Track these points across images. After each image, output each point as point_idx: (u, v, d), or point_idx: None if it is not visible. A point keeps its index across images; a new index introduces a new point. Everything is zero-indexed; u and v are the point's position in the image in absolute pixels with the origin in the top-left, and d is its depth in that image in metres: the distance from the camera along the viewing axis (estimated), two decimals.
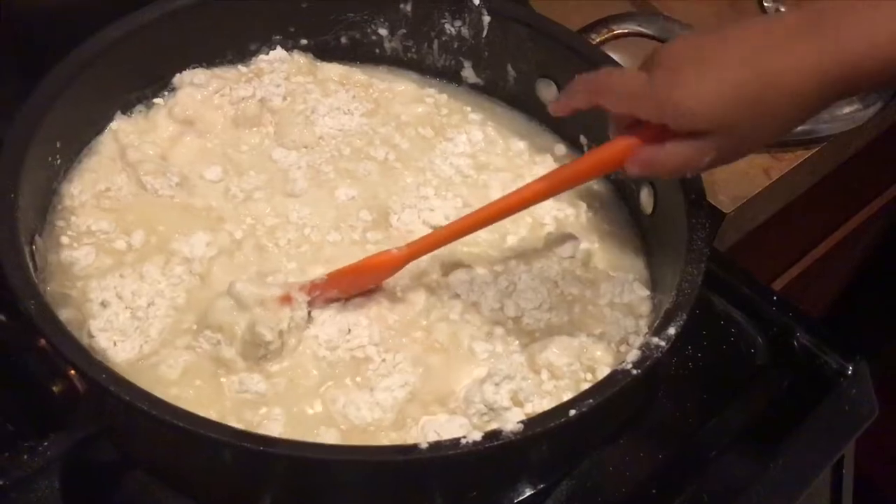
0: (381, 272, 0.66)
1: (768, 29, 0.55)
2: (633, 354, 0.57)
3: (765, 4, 0.92)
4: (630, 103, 0.58)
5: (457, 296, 0.68)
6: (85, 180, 0.72)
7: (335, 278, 0.66)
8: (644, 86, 0.56)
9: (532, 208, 0.68)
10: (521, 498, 0.64)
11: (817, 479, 0.76)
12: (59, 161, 0.70)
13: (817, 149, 0.91)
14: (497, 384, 0.61)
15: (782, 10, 0.92)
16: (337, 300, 0.66)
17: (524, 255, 0.72)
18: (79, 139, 0.73)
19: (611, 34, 0.79)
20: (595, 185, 0.79)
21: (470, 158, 0.79)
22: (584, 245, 0.73)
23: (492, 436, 0.52)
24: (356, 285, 0.67)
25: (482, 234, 0.71)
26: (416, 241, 0.66)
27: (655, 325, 0.60)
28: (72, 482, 0.63)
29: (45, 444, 0.56)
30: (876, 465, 1.06)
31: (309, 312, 0.65)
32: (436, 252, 0.68)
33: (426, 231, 0.71)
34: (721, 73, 0.54)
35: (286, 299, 0.63)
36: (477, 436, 0.51)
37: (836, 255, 1.30)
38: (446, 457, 0.51)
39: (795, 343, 0.77)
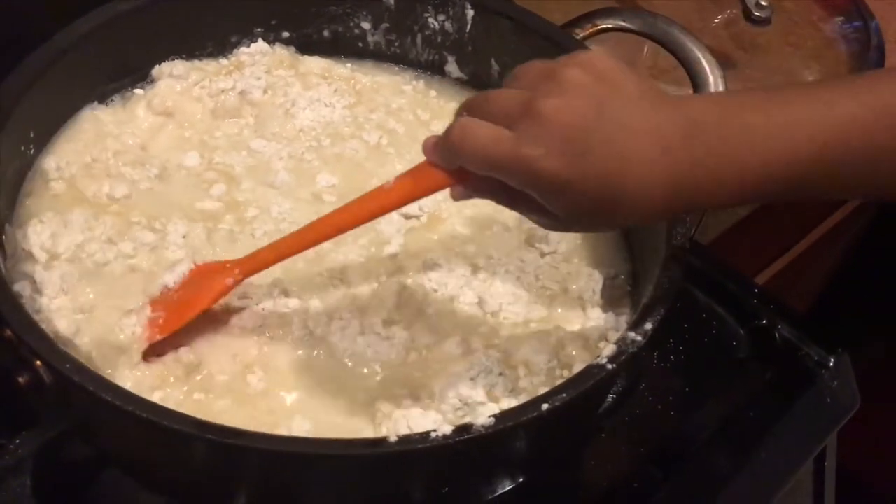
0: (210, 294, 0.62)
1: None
2: (609, 349, 0.57)
3: (746, 1, 0.92)
4: (493, 171, 0.51)
5: (434, 290, 0.68)
6: (62, 168, 0.71)
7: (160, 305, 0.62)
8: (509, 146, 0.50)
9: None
10: (500, 492, 0.64)
11: (800, 470, 0.76)
12: (31, 151, 0.69)
13: None
14: (472, 379, 0.60)
15: (763, 4, 0.91)
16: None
17: (504, 249, 0.72)
18: (54, 128, 0.72)
19: (595, 29, 0.78)
20: None
21: None
22: (565, 241, 0.73)
23: (462, 430, 0.51)
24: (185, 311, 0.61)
25: (459, 227, 0.71)
26: (248, 258, 0.62)
27: (633, 319, 0.60)
28: (44, 480, 0.63)
29: (17, 441, 0.56)
30: (858, 458, 1.06)
31: None
32: (411, 247, 0.67)
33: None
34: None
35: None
36: (447, 429, 0.51)
37: (820, 250, 1.30)
38: (416, 450, 0.50)
39: (777, 336, 0.77)
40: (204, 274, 0.63)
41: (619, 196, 0.50)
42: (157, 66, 0.79)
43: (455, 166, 0.53)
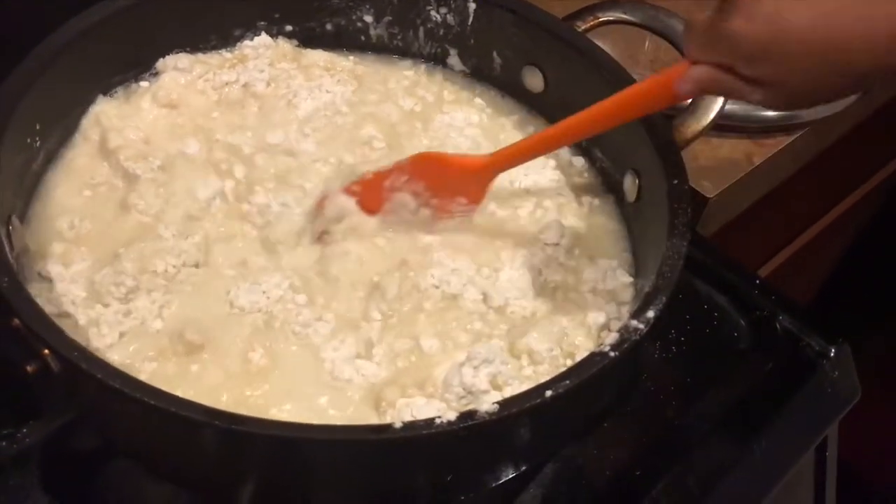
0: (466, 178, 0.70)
1: None
2: (612, 337, 0.57)
3: None
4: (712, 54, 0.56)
5: (436, 287, 0.68)
6: (67, 164, 0.72)
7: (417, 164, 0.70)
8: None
9: (515, 195, 0.71)
10: (503, 479, 0.64)
11: (801, 460, 0.76)
12: (38, 143, 0.69)
13: (799, 134, 0.91)
14: (476, 367, 0.61)
15: None
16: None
17: (509, 242, 0.72)
18: (59, 121, 0.73)
19: (596, 22, 0.78)
20: (578, 176, 0.79)
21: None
22: (568, 232, 0.73)
23: (466, 416, 0.52)
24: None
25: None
26: (500, 151, 0.70)
27: (635, 308, 0.60)
28: (51, 469, 0.63)
29: (24, 430, 0.56)
30: (860, 451, 1.06)
31: None
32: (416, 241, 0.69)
33: None
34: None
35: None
36: (452, 416, 0.51)
37: (823, 242, 1.31)
38: (420, 436, 0.51)
39: (778, 326, 0.77)
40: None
41: (826, 60, 0.52)
42: (161, 60, 0.79)
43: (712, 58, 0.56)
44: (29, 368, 0.54)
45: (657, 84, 0.61)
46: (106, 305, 0.64)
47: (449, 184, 0.71)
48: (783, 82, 0.54)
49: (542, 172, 0.78)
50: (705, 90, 0.60)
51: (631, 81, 0.72)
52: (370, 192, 0.71)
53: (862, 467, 1.19)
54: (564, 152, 0.79)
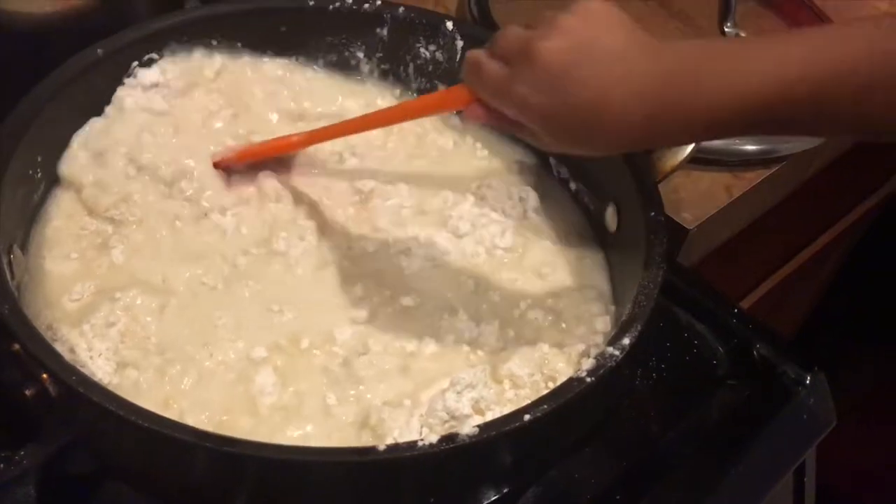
0: (282, 150, 0.78)
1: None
2: (589, 363, 0.60)
3: (725, 30, 0.95)
4: (495, 102, 0.60)
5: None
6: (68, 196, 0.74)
7: (244, 154, 0.77)
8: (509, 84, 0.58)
9: (494, 232, 0.76)
10: (486, 502, 0.66)
11: (778, 486, 0.78)
12: (39, 174, 0.72)
13: (777, 167, 0.93)
14: (459, 392, 0.63)
15: (743, 35, 0.95)
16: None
17: (487, 278, 0.75)
18: (60, 152, 0.75)
19: None
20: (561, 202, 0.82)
21: None
22: (548, 263, 0.76)
23: (448, 439, 0.54)
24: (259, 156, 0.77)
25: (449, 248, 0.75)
26: (313, 132, 0.76)
27: (612, 335, 0.62)
28: (49, 492, 0.64)
29: (22, 453, 0.58)
30: (839, 475, 1.08)
31: None
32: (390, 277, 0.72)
33: None
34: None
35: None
36: (433, 438, 0.54)
37: (805, 274, 1.33)
38: (404, 458, 0.53)
39: (755, 354, 0.79)
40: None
41: (596, 129, 0.56)
42: None
43: (470, 87, 0.61)
44: (28, 392, 0.56)
45: (448, 101, 0.67)
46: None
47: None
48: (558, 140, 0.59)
49: None
50: (482, 122, 0.64)
51: None
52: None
53: (841, 492, 1.20)
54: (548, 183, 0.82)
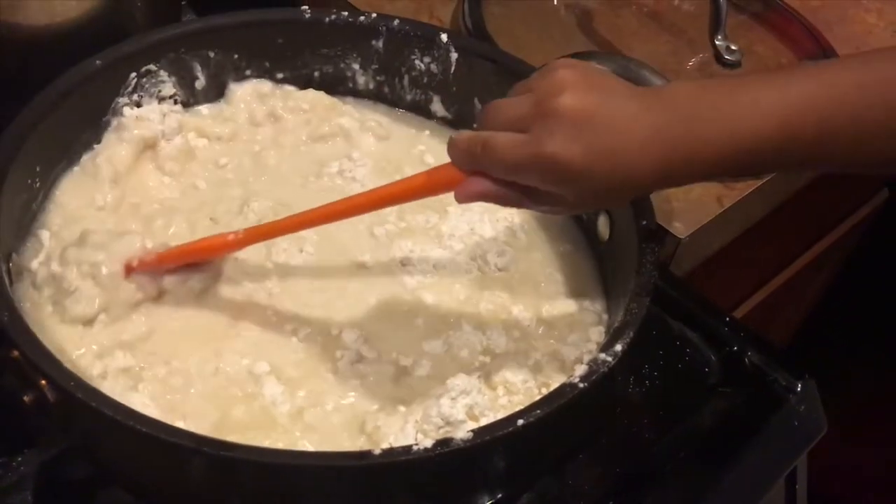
0: (214, 254, 0.70)
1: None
2: (581, 369, 0.60)
3: (716, 42, 0.96)
4: (514, 175, 0.58)
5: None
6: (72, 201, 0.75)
7: (165, 256, 0.68)
8: (528, 151, 0.56)
9: (487, 244, 0.76)
10: None
11: (770, 493, 0.78)
12: (38, 184, 0.72)
13: (767, 178, 0.95)
14: (454, 399, 0.64)
15: (733, 48, 0.96)
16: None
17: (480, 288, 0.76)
18: (60, 163, 0.76)
19: None
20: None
21: None
22: (541, 272, 0.77)
23: (442, 443, 0.54)
24: (184, 260, 0.69)
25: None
26: (254, 228, 0.70)
27: (604, 342, 0.63)
28: (46, 498, 0.65)
29: (19, 459, 0.59)
30: (832, 483, 1.08)
31: None
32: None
33: None
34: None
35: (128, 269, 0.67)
36: (428, 443, 0.54)
37: (798, 284, 1.33)
38: (399, 462, 0.53)
39: (747, 362, 0.80)
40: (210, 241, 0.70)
41: (624, 173, 0.56)
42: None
43: (473, 169, 0.59)
44: (26, 398, 0.57)
45: (438, 183, 0.62)
46: None
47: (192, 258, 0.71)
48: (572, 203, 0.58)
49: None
50: (484, 200, 0.61)
51: None
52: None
53: (833, 500, 1.20)
54: None
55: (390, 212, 0.79)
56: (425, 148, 0.87)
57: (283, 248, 0.75)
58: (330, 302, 0.72)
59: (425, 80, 0.87)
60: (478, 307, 0.73)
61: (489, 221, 0.80)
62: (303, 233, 0.74)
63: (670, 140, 0.56)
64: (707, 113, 0.57)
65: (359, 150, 0.84)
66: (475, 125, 0.61)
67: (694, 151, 0.57)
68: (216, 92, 0.86)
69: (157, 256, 0.68)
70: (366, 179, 0.82)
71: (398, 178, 0.66)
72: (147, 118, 0.80)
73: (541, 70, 0.60)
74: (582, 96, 0.56)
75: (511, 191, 0.59)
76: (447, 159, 0.61)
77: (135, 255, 0.68)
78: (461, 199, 0.60)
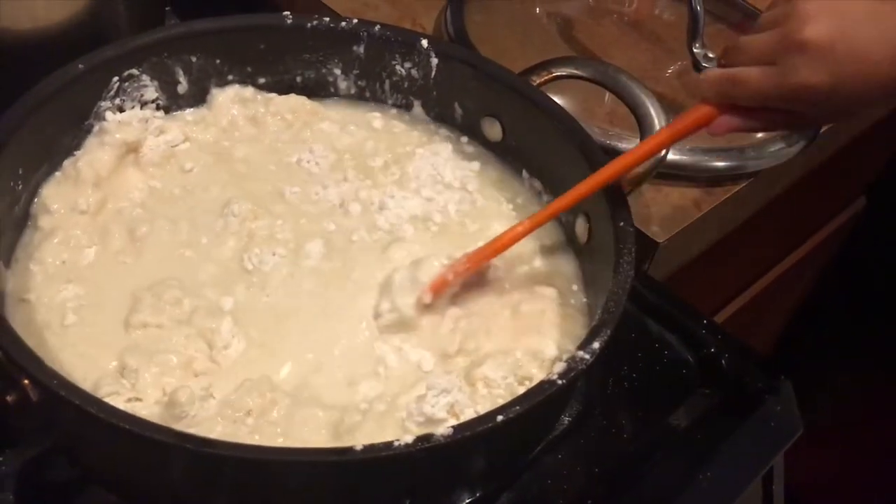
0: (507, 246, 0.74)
1: None
2: (560, 366, 0.61)
3: (694, 50, 0.98)
4: (765, 103, 0.65)
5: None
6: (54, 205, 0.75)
7: (474, 259, 0.72)
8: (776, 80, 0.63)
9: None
10: None
11: (747, 493, 0.79)
12: (20, 187, 0.73)
13: (745, 183, 0.96)
14: (435, 397, 0.64)
15: (711, 56, 0.98)
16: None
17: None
18: (43, 167, 0.76)
19: (550, 76, 0.83)
20: None
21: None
22: (521, 274, 0.78)
23: (423, 439, 0.55)
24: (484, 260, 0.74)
25: None
26: (539, 213, 0.74)
27: (582, 340, 0.64)
28: (27, 499, 0.65)
29: (1, 459, 0.59)
30: (808, 484, 1.09)
31: None
32: None
33: None
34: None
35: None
36: (409, 438, 0.55)
37: (779, 288, 1.35)
38: (380, 458, 0.54)
39: (724, 363, 0.81)
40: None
41: (865, 91, 0.62)
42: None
43: (724, 103, 0.67)
44: (9, 398, 0.57)
45: (688, 127, 0.69)
46: None
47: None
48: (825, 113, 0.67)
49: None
50: (739, 131, 0.69)
51: (580, 130, 0.77)
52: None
53: (810, 500, 1.22)
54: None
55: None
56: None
57: None
58: None
59: (406, 85, 0.88)
60: (459, 307, 0.74)
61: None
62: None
63: None
64: None
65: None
66: (720, 62, 0.68)
67: None
68: (198, 97, 0.86)
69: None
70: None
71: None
72: (129, 123, 0.80)
73: (784, 3, 0.64)
74: (824, 27, 0.61)
75: (758, 119, 0.66)
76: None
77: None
78: (717, 132, 0.67)
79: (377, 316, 0.72)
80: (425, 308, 0.71)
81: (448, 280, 0.71)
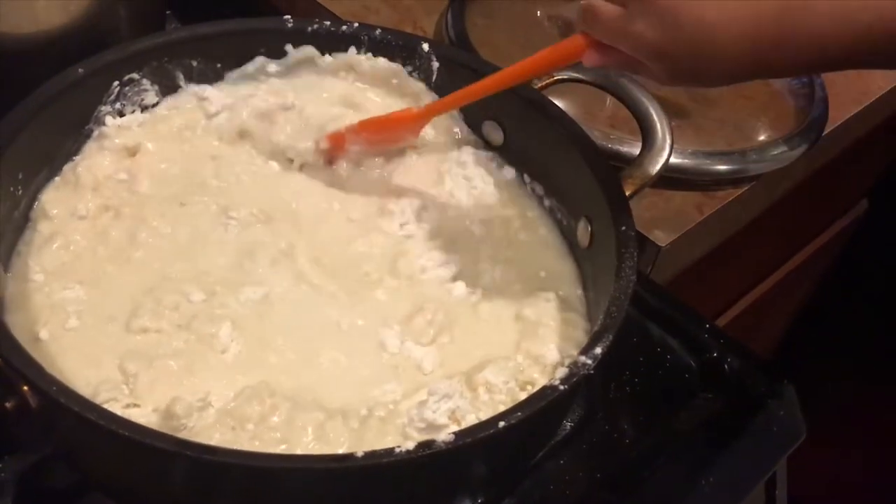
0: (404, 126, 0.81)
1: None
2: (562, 372, 0.61)
3: None
4: (614, 43, 0.64)
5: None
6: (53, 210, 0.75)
7: (364, 125, 0.80)
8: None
9: None
10: None
11: (750, 498, 0.79)
12: (20, 191, 0.72)
13: (747, 187, 0.96)
14: (436, 402, 0.64)
15: None
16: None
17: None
18: (42, 171, 0.76)
19: (551, 80, 0.83)
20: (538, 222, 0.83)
21: None
22: (523, 279, 0.77)
23: (424, 445, 0.55)
24: (381, 138, 0.81)
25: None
26: (432, 103, 0.81)
27: (584, 345, 0.64)
28: None
29: (0, 465, 0.59)
30: (811, 489, 1.09)
31: None
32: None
33: None
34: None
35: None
36: (411, 445, 0.55)
37: (782, 292, 1.35)
38: (381, 464, 0.54)
39: (726, 368, 0.81)
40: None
41: (707, 62, 0.60)
42: None
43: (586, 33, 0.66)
44: (8, 405, 0.56)
45: (562, 53, 0.70)
46: None
47: (390, 135, 0.82)
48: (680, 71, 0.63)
49: None
50: (603, 66, 0.68)
51: (582, 134, 0.77)
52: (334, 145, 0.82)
53: None
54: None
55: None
56: None
57: None
58: None
59: None
60: (460, 311, 0.74)
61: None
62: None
63: (772, 42, 0.58)
64: (827, 14, 0.57)
65: None
66: None
67: (797, 53, 0.58)
68: None
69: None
70: None
71: None
72: (129, 127, 0.80)
73: None
74: None
75: (615, 59, 0.65)
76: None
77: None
78: (586, 63, 0.68)
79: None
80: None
81: (342, 133, 0.80)
